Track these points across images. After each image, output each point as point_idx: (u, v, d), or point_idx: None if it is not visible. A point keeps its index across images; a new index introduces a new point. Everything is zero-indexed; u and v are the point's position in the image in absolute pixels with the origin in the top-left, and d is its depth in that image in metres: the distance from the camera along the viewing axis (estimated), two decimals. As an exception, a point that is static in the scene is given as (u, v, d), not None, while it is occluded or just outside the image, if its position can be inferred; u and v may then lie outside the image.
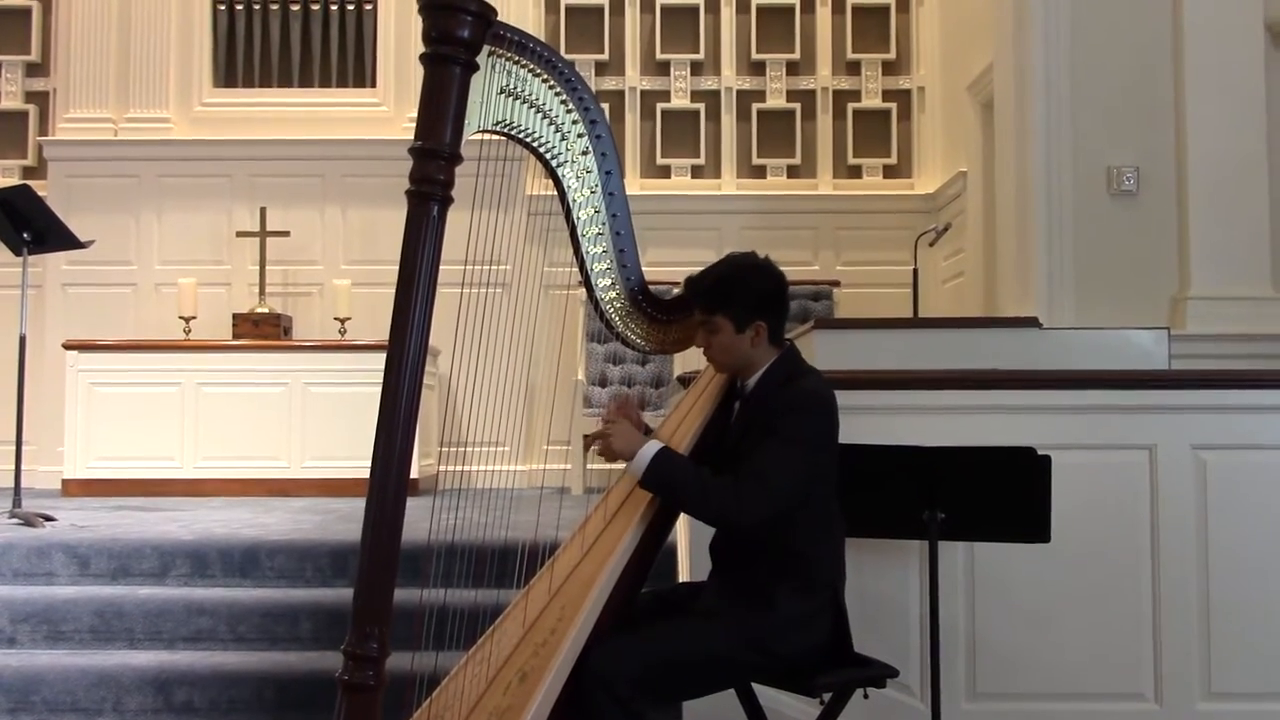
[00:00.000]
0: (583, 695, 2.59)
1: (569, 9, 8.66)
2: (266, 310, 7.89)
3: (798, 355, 2.98)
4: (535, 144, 2.66)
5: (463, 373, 2.81)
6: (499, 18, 2.51)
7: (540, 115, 2.64)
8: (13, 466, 5.59)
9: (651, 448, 2.76)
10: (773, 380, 2.90)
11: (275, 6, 8.49)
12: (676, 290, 3.04)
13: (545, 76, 2.62)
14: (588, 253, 2.80)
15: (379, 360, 2.42)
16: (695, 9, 8.68)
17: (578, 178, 2.75)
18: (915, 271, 6.26)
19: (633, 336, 2.95)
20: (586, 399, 7.65)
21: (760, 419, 2.82)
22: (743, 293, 2.89)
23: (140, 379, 7.19)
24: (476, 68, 2.45)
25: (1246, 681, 3.74)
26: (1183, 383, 3.88)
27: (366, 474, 2.38)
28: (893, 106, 8.68)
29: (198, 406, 7.18)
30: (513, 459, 7.77)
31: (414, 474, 6.56)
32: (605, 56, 8.65)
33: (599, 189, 2.77)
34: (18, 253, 5.67)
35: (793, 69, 8.71)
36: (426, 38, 2.42)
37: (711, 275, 2.92)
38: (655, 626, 2.82)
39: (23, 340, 5.62)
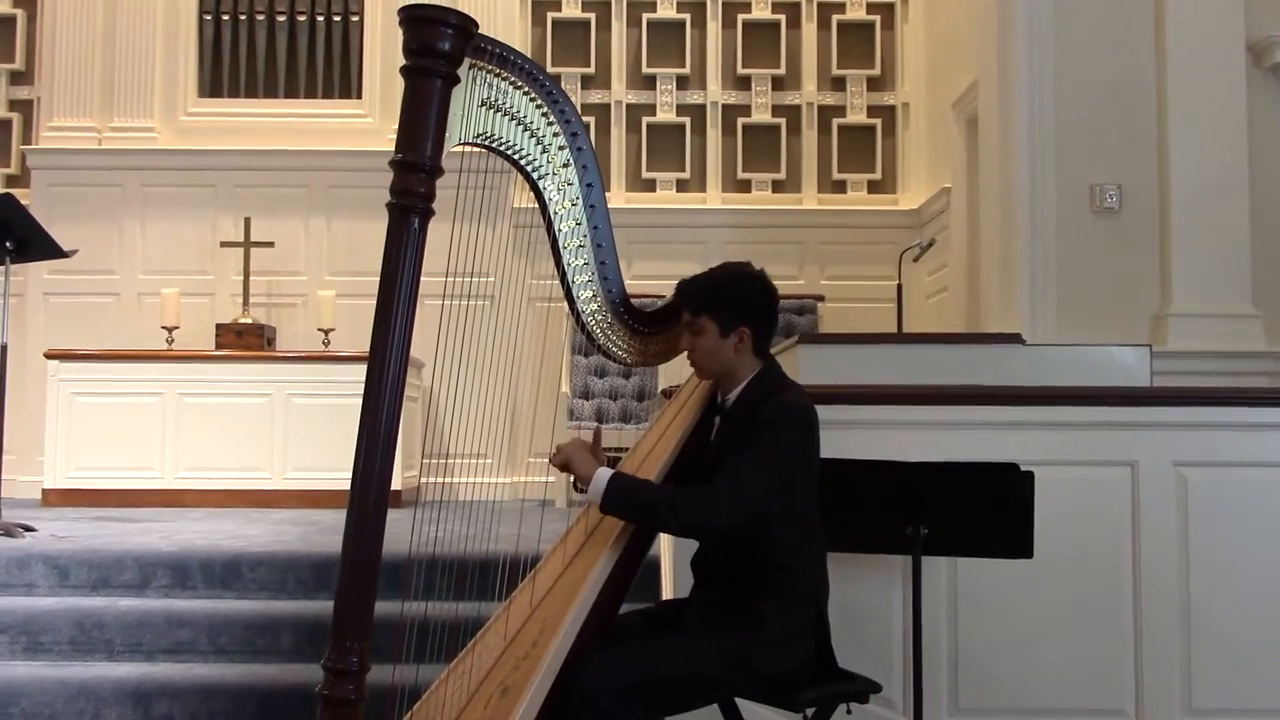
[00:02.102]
0: (566, 708, 2.58)
1: (555, 23, 8.68)
2: (250, 321, 7.87)
3: (780, 370, 2.98)
4: (516, 156, 2.66)
5: (447, 385, 2.80)
6: (485, 31, 2.51)
7: (521, 128, 2.64)
8: (-8, 476, 5.56)
9: (605, 472, 2.74)
10: (753, 395, 2.89)
11: (261, 17, 8.48)
12: (660, 303, 3.04)
13: (526, 89, 2.62)
14: (569, 264, 2.81)
15: (363, 371, 2.41)
16: (681, 23, 8.70)
17: (559, 190, 2.75)
18: (899, 287, 6.27)
19: (614, 348, 2.95)
20: (571, 412, 7.64)
21: (740, 433, 2.82)
22: (731, 297, 2.90)
23: (122, 389, 7.15)
24: (457, 80, 2.46)
25: (1227, 697, 3.75)
26: (1164, 399, 3.90)
27: (349, 486, 2.37)
28: (877, 122, 8.71)
29: (180, 417, 7.15)
30: (496, 471, 7.76)
31: (397, 486, 6.55)
32: (591, 70, 8.67)
33: (580, 201, 2.77)
34: (0, 261, 5.64)
35: (778, 84, 8.74)
36: (407, 50, 2.43)
37: (704, 277, 2.94)
38: (641, 642, 2.82)
39: (4, 349, 5.59)
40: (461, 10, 2.49)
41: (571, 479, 2.93)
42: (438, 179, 2.41)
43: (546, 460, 2.83)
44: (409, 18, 2.42)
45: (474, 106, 2.52)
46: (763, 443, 2.75)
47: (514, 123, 2.62)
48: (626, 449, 3.12)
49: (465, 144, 2.54)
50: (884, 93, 8.76)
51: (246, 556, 4.64)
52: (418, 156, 2.38)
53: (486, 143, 2.59)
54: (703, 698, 2.89)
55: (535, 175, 2.70)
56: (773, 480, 2.75)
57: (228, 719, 3.93)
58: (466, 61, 2.47)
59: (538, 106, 2.65)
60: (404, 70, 2.45)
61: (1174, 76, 5.80)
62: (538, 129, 2.67)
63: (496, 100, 2.57)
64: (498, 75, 2.56)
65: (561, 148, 2.72)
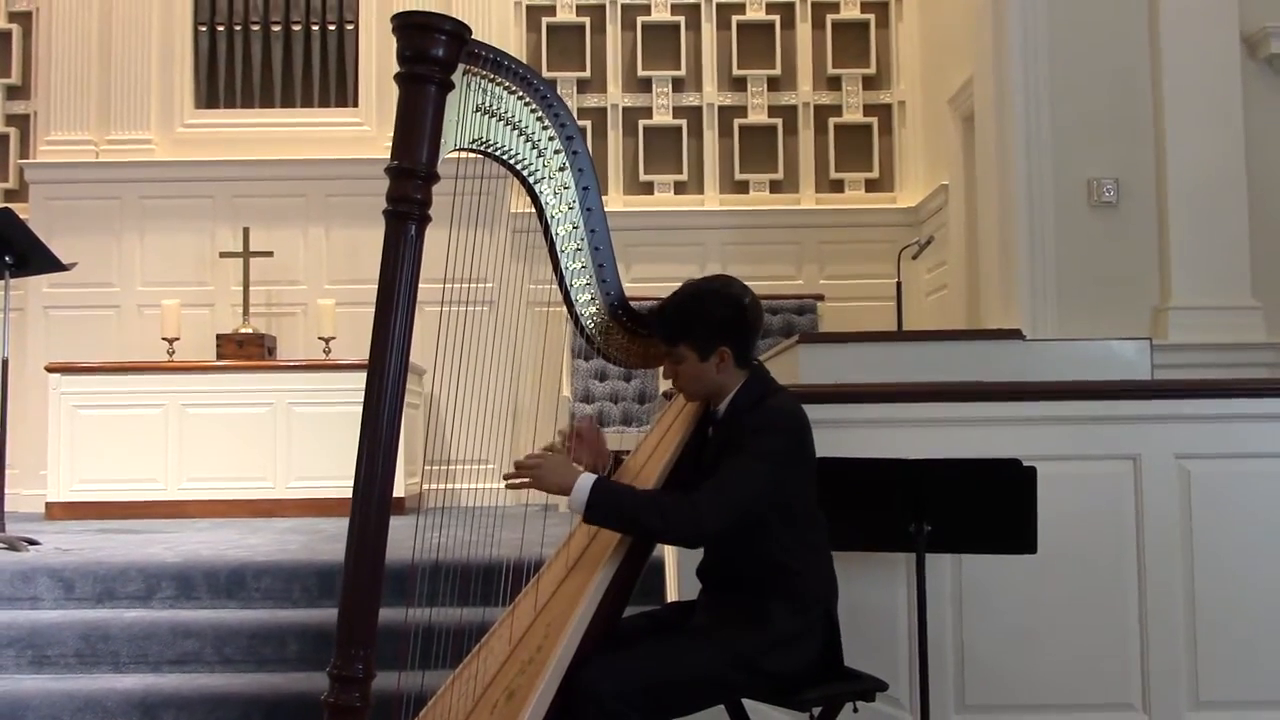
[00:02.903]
0: (572, 711, 2.58)
1: (550, 27, 8.68)
2: (250, 331, 7.87)
3: (767, 375, 2.97)
4: (512, 161, 2.66)
5: (448, 391, 2.80)
6: (480, 36, 2.52)
7: (517, 132, 2.64)
8: (-5, 491, 5.55)
9: (586, 481, 2.69)
10: (743, 403, 2.88)
11: (257, 27, 8.49)
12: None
13: (521, 94, 2.62)
14: (567, 268, 2.81)
15: (363, 379, 2.41)
16: (676, 26, 8.71)
17: (555, 194, 2.75)
18: (899, 285, 6.27)
19: (613, 351, 2.96)
20: (572, 415, 7.64)
21: (731, 441, 2.81)
22: (703, 320, 2.86)
23: (123, 401, 7.15)
24: (452, 86, 2.46)
25: (1233, 690, 3.74)
26: (1165, 392, 3.90)
27: (352, 493, 2.37)
28: (874, 121, 8.72)
29: (182, 428, 7.15)
30: (498, 476, 7.74)
31: (400, 492, 6.56)
32: (587, 74, 8.68)
33: (577, 205, 2.78)
34: (0, 275, 5.64)
35: (774, 84, 8.74)
36: (401, 57, 2.43)
37: (671, 305, 2.90)
38: (647, 644, 2.81)
39: (4, 363, 5.59)
40: (455, 16, 2.49)
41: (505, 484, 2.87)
42: (434, 185, 2.41)
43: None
44: (402, 25, 2.42)
45: (469, 112, 2.52)
46: (751, 449, 2.75)
47: (509, 128, 2.62)
48: (629, 451, 3.12)
49: (461, 150, 2.54)
50: (880, 91, 8.77)
51: (251, 566, 4.64)
52: (413, 163, 2.38)
53: (482, 148, 2.59)
54: (709, 699, 2.89)
55: (531, 180, 2.71)
56: (760, 484, 2.74)
57: (234, 728, 3.94)
58: (460, 67, 2.47)
59: (533, 111, 2.66)
60: (398, 77, 2.45)
61: (1169, 69, 5.81)
62: (533, 133, 2.67)
63: (491, 106, 2.57)
64: (492, 81, 2.56)
65: (557, 152, 2.72)
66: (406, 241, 2.38)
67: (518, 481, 2.78)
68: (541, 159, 2.71)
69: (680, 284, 2.97)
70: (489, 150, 2.61)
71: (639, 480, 2.89)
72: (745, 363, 2.92)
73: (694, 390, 2.96)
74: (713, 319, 2.87)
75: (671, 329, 2.88)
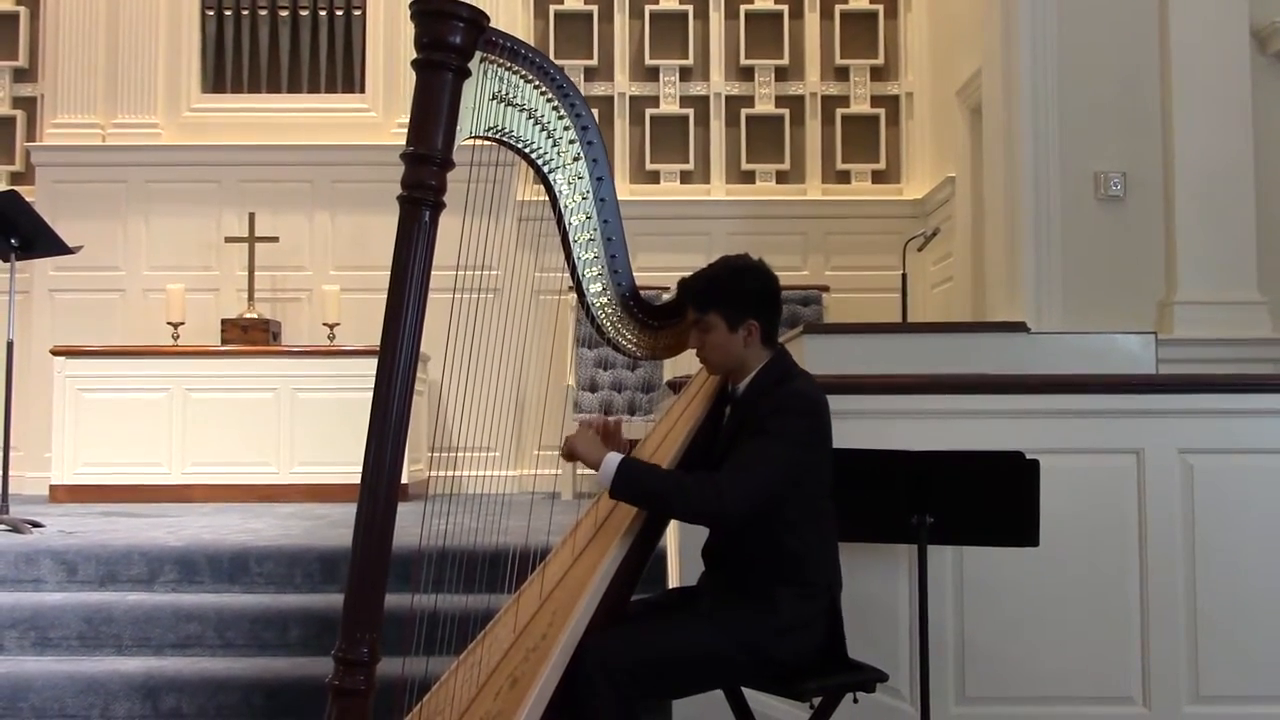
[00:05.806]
0: (576, 688, 2.58)
1: (558, 15, 8.67)
2: (255, 316, 7.87)
3: (789, 358, 2.99)
4: (527, 150, 2.67)
5: (453, 378, 2.80)
6: (488, 23, 2.51)
7: (532, 121, 2.65)
8: (-1, 473, 5.57)
9: (614, 457, 2.74)
10: (764, 383, 2.90)
11: (264, 12, 8.48)
12: (667, 296, 3.04)
13: (537, 83, 2.62)
14: (579, 258, 2.82)
15: (368, 365, 2.42)
16: (684, 15, 8.69)
17: (569, 183, 2.75)
18: (904, 276, 6.27)
19: (624, 342, 2.96)
20: (576, 404, 7.65)
21: (751, 421, 2.82)
22: (735, 291, 2.90)
23: (128, 385, 7.16)
24: (469, 74, 2.46)
25: (1234, 684, 3.76)
26: (1170, 387, 3.90)
27: (355, 479, 2.38)
28: (881, 112, 8.70)
29: (186, 412, 7.16)
30: (503, 464, 7.77)
31: (404, 479, 6.57)
32: (594, 62, 8.66)
33: (590, 195, 2.78)
34: (5, 258, 5.65)
35: (781, 74, 8.73)
36: (419, 43, 2.43)
37: (705, 274, 2.95)
38: (651, 622, 2.83)
39: (10, 346, 5.60)
40: (470, 3, 2.48)
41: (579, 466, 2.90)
42: (448, 172, 2.41)
43: (555, 454, 2.81)
44: (420, 11, 2.42)
45: (485, 100, 2.52)
46: (772, 430, 2.76)
47: (525, 116, 2.63)
48: (635, 440, 3.12)
49: (476, 137, 2.55)
50: (887, 82, 8.75)
51: (253, 550, 4.65)
52: (429, 149, 2.38)
53: (498, 136, 2.59)
54: (711, 680, 2.90)
55: (546, 169, 2.71)
56: (782, 467, 2.76)
57: (235, 712, 3.95)
58: (477, 55, 2.47)
59: (548, 100, 2.66)
60: (415, 64, 2.44)
61: (1178, 63, 5.80)
62: (548, 122, 2.67)
63: (507, 94, 2.57)
64: (509, 69, 2.56)
65: (572, 141, 2.72)
66: (420, 228, 2.38)
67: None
68: (556, 149, 2.71)
69: (690, 270, 2.99)
70: (504, 139, 2.61)
71: (655, 460, 2.89)
72: (770, 342, 2.94)
73: (718, 362, 2.98)
74: (746, 291, 2.91)
75: (704, 297, 2.91)
